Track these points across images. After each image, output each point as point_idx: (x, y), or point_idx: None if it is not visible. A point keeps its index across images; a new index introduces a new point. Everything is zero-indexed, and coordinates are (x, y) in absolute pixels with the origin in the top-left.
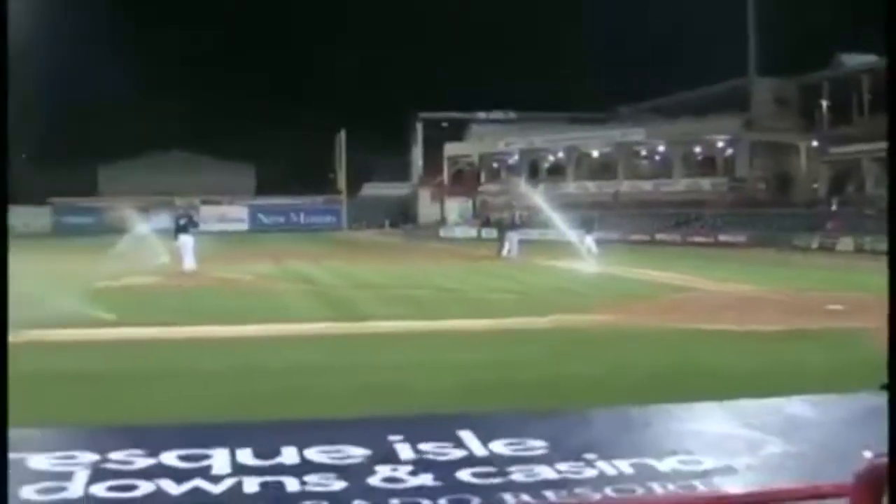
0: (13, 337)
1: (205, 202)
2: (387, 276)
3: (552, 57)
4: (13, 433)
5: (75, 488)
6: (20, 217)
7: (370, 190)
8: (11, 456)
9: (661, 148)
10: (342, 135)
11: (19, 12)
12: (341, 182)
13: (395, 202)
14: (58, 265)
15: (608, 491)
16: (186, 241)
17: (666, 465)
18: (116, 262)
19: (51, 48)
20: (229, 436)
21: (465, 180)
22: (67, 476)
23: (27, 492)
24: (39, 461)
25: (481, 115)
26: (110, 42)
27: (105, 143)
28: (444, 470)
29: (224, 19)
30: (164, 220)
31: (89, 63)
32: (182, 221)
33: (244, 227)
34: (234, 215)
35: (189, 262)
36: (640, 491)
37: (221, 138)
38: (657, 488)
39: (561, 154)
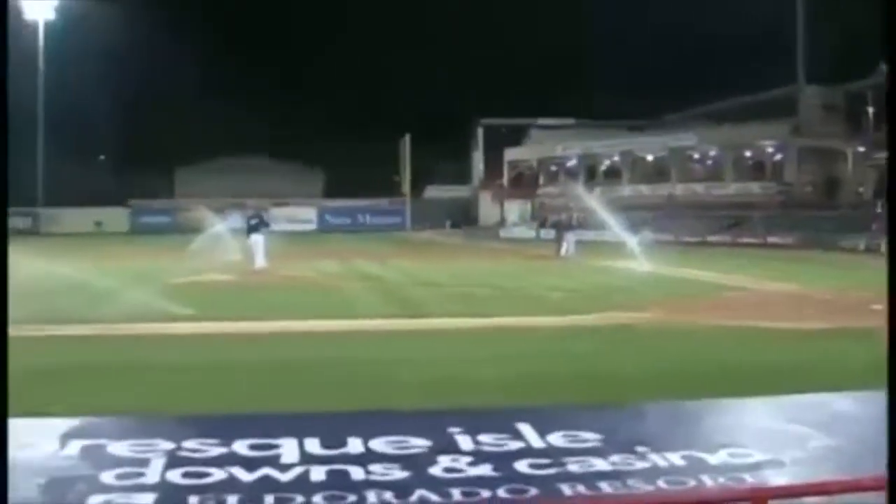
0: (94, 329)
1: (275, 204)
2: (448, 274)
3: (607, 65)
4: (95, 421)
5: (152, 474)
6: (100, 216)
7: (433, 192)
8: (93, 442)
9: (713, 153)
10: (406, 139)
11: (106, 20)
12: (405, 185)
13: (456, 204)
14: (136, 263)
15: (660, 483)
16: (258, 240)
17: (716, 457)
18: (192, 260)
19: (133, 55)
20: (298, 426)
21: (524, 183)
22: (145, 462)
23: (107, 477)
24: (118, 448)
25: (540, 121)
26: (190, 50)
27: (182, 148)
28: (502, 461)
29: (294, 29)
30: (237, 220)
31: (169, 70)
32: (253, 222)
33: (312, 227)
34: (302, 216)
35: (260, 261)
36: (691, 483)
37: (292, 143)
38: (707, 480)
39: (616, 158)
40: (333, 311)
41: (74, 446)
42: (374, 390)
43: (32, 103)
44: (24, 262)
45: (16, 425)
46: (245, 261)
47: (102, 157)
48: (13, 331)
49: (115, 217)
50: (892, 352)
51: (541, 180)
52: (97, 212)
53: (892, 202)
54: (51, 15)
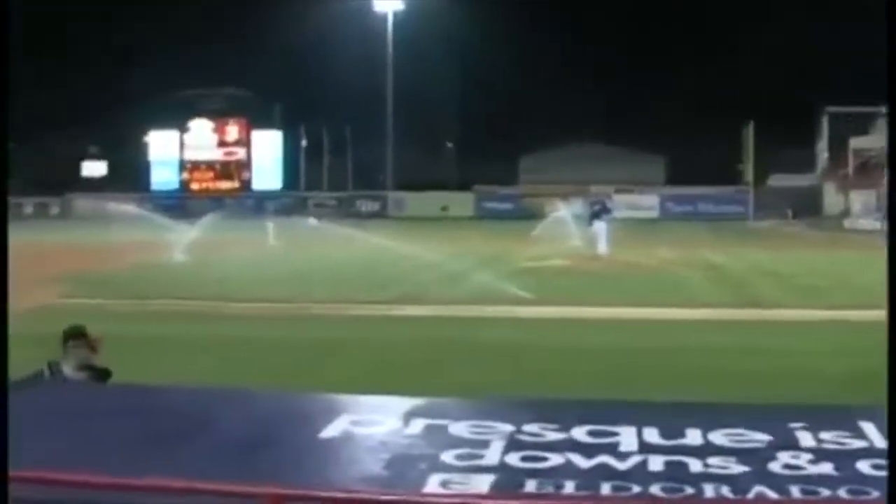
0: (443, 310)
1: (617, 191)
2: (790, 264)
3: None
4: (438, 401)
5: (491, 456)
6: (445, 201)
7: (775, 181)
8: (435, 422)
9: None
10: (750, 127)
11: (452, 9)
12: (748, 173)
13: (799, 193)
14: (481, 247)
15: None
16: (600, 227)
17: None
18: (534, 245)
19: (478, 43)
20: (637, 415)
21: (869, 173)
22: (485, 444)
23: (447, 456)
24: (459, 429)
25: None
26: (535, 37)
27: (527, 135)
28: (844, 460)
29: (632, 15)
30: (579, 207)
31: (514, 58)
32: (596, 208)
33: (654, 214)
34: (644, 203)
35: (602, 247)
36: None
37: (635, 131)
38: None
39: None
40: (673, 299)
41: (417, 425)
42: (711, 379)
43: (382, 92)
44: (375, 244)
45: (365, 403)
46: (587, 247)
47: (449, 144)
48: (370, 310)
49: (461, 202)
50: (892, 351)
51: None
52: (443, 196)
53: (892, 202)
54: (400, 6)
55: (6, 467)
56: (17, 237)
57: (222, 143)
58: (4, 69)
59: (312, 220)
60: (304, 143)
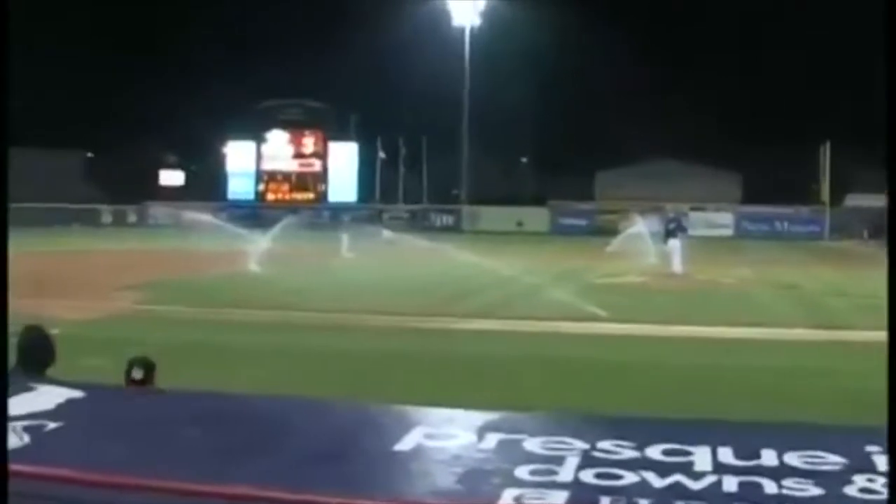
0: (517, 325)
1: (692, 208)
2: (866, 285)
3: None
4: (512, 416)
5: (565, 472)
6: (520, 216)
7: (851, 201)
8: (510, 436)
9: None
10: (827, 147)
11: (529, 24)
12: (824, 193)
13: (875, 214)
14: (556, 262)
15: None
16: (675, 244)
17: None
18: (609, 261)
19: (555, 59)
20: (711, 434)
21: None
22: (559, 460)
23: (521, 472)
24: (533, 444)
25: None
26: (611, 52)
27: (603, 151)
28: None
29: (712, 33)
30: (654, 224)
31: (590, 73)
32: (672, 226)
33: (728, 232)
34: (719, 221)
35: (677, 265)
36: None
37: (711, 148)
38: None
39: None
40: (750, 318)
41: (491, 439)
42: (785, 400)
43: (458, 106)
44: (449, 257)
45: (439, 415)
46: (662, 264)
47: (524, 158)
48: (443, 323)
49: (535, 217)
50: (892, 351)
51: None
52: (517, 211)
53: (892, 202)
54: (477, 20)
55: (6, 467)
56: (96, 245)
57: (299, 155)
58: (4, 69)
59: (387, 233)
60: (380, 155)
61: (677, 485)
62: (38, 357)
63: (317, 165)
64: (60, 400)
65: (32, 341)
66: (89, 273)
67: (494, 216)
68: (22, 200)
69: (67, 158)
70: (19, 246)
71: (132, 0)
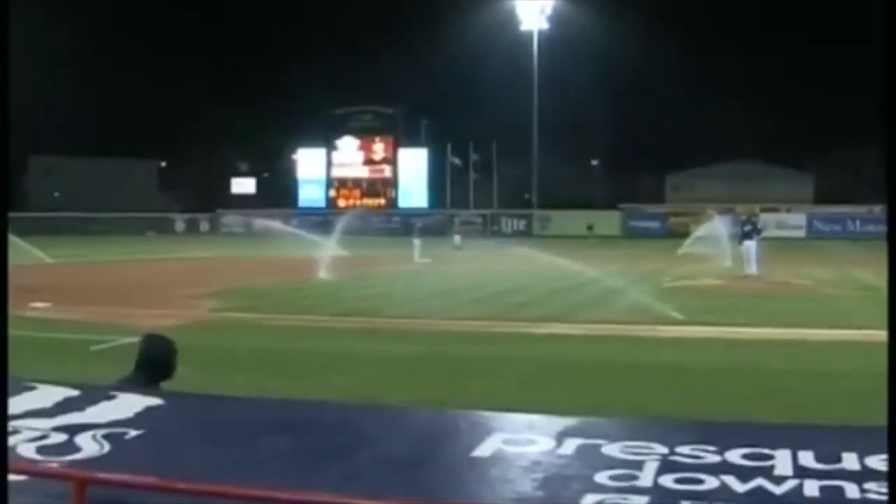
0: (591, 329)
1: (764, 209)
2: None
3: None
4: (591, 420)
5: (645, 477)
6: (591, 219)
7: None
8: (589, 441)
9: None
10: None
11: (597, 27)
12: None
13: None
14: (629, 266)
15: None
16: (750, 246)
17: None
18: (683, 264)
19: (625, 62)
20: (792, 438)
21: None
22: (639, 465)
23: (601, 477)
24: (612, 449)
25: None
26: (677, 58)
27: (673, 154)
28: None
29: (784, 33)
30: (728, 225)
31: (660, 77)
32: (747, 228)
33: (801, 234)
34: (792, 222)
35: (753, 267)
36: None
37: (783, 150)
38: None
39: None
40: (830, 320)
41: (570, 444)
42: (869, 403)
43: (528, 111)
44: (521, 262)
45: (518, 421)
46: (737, 266)
47: (594, 161)
48: (518, 327)
49: (606, 220)
50: (892, 351)
51: None
52: (588, 215)
53: (892, 202)
54: (544, 24)
55: (6, 467)
56: (170, 253)
57: (369, 161)
58: (4, 69)
59: (458, 238)
60: (450, 160)
61: (759, 489)
62: (161, 371)
63: (387, 171)
64: (139, 408)
65: (156, 355)
66: (165, 281)
67: (565, 220)
68: (98, 210)
69: (142, 168)
70: (102, 254)
71: (207, 16)
